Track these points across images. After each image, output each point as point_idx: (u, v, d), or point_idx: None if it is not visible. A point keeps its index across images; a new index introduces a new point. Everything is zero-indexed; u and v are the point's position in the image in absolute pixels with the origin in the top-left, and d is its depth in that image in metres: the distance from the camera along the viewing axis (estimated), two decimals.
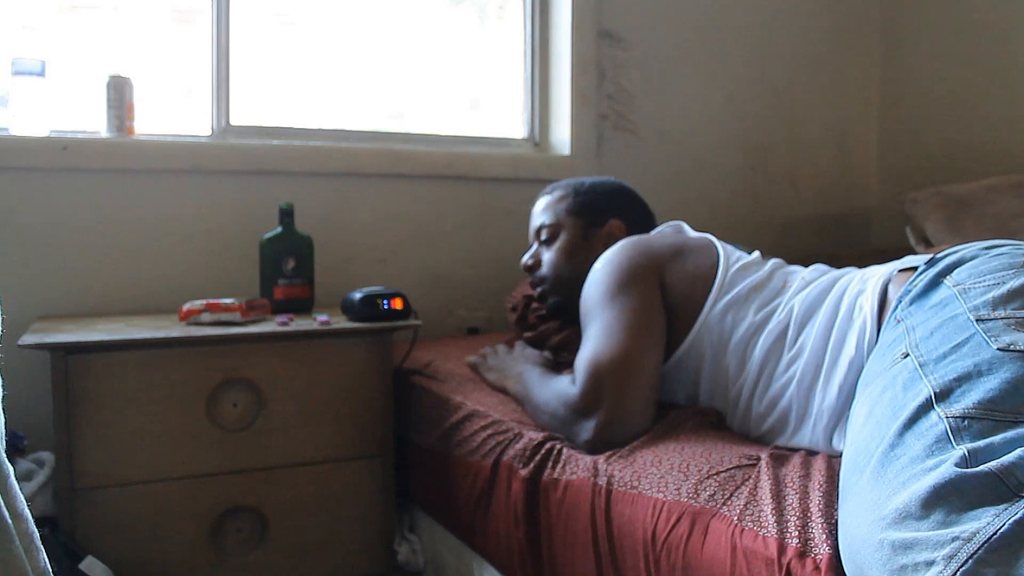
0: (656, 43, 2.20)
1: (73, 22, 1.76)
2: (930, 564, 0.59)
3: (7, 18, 1.68)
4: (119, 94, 1.64)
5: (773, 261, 1.26)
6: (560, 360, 1.44)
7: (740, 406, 1.14)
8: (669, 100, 2.22)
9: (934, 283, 0.89)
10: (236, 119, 1.82)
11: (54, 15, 1.73)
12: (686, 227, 1.42)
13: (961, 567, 0.57)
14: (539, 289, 1.51)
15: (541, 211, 1.52)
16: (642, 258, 1.24)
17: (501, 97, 2.18)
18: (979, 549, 0.57)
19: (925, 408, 0.70)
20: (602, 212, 1.48)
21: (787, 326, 1.11)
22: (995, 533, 0.56)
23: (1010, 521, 0.56)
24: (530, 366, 1.37)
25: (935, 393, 0.71)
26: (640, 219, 1.51)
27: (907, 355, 0.79)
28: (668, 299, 1.21)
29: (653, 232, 1.42)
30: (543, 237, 1.50)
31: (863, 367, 0.97)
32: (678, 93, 2.24)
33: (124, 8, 1.78)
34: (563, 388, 1.19)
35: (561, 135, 2.11)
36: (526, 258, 1.53)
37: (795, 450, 1.02)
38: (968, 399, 0.68)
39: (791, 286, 1.17)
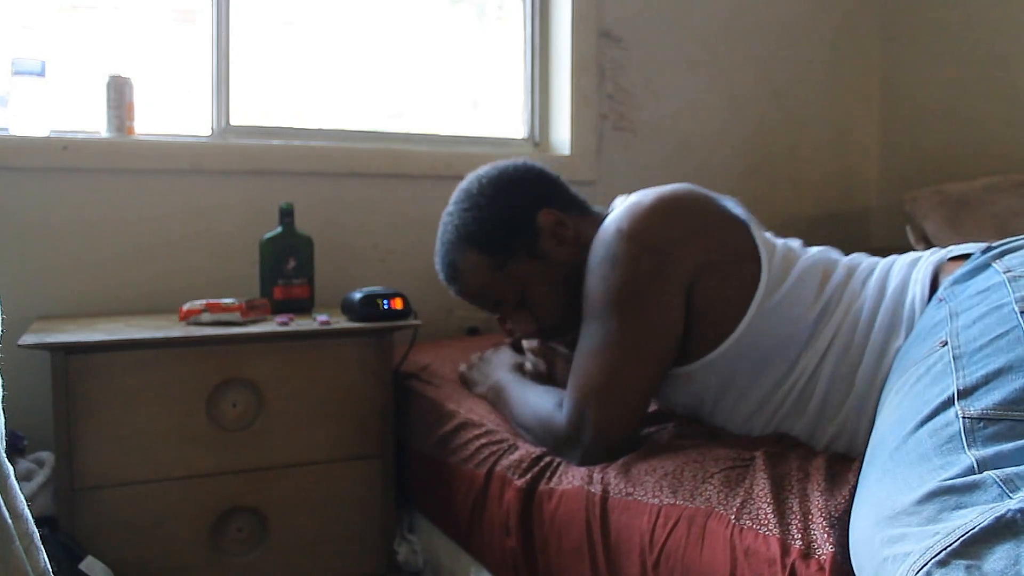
0: (656, 43, 2.20)
1: (73, 22, 1.76)
2: (907, 555, 0.59)
3: (7, 18, 1.68)
4: (119, 94, 1.64)
5: (816, 249, 1.17)
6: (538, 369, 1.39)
7: (786, 405, 1.07)
8: (669, 100, 2.22)
9: (983, 265, 0.85)
10: (236, 119, 1.82)
11: (54, 15, 1.73)
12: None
13: (934, 557, 0.56)
14: (548, 335, 1.30)
15: (481, 288, 1.25)
16: (670, 248, 1.08)
17: (501, 97, 2.18)
18: (955, 541, 0.56)
19: (946, 405, 0.69)
20: (522, 217, 1.21)
21: (842, 321, 1.04)
22: (975, 527, 0.56)
23: (992, 517, 0.56)
24: (507, 374, 1.33)
25: (959, 390, 0.69)
26: (552, 188, 1.26)
27: (946, 343, 0.77)
28: (700, 301, 1.08)
29: (685, 189, 1.17)
30: (511, 303, 1.24)
31: None
32: (678, 93, 2.24)
33: (124, 8, 1.78)
34: (547, 413, 1.15)
35: (561, 135, 2.11)
36: (521, 331, 1.29)
37: (791, 449, 1.01)
38: (989, 398, 0.67)
39: (835, 275, 1.09)
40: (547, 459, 1.13)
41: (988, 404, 0.67)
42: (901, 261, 1.07)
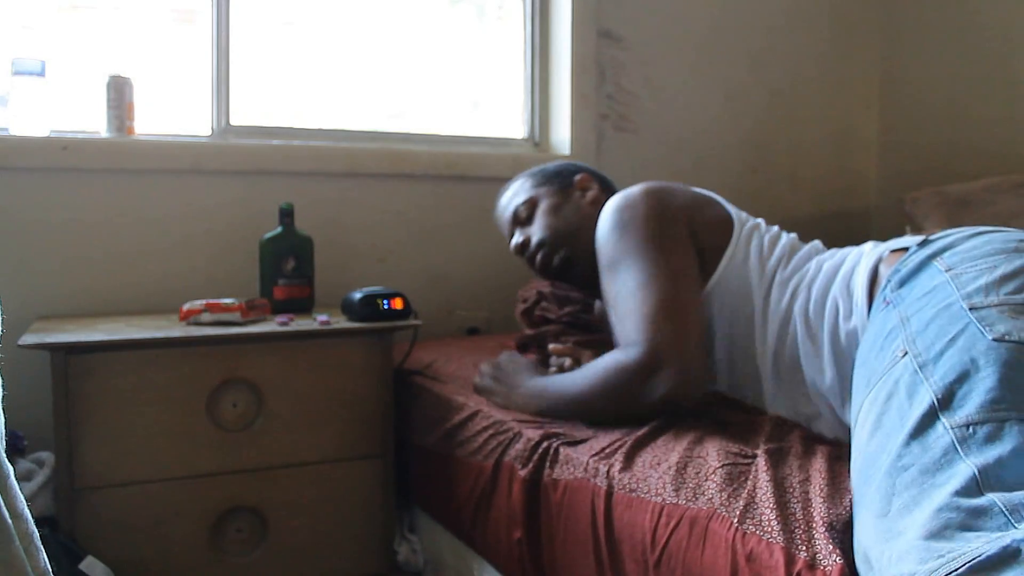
0: (656, 43, 2.20)
1: (73, 22, 1.76)
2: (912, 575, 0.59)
3: (7, 18, 1.68)
4: (119, 94, 1.64)
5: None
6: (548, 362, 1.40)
7: (764, 370, 1.13)
8: (669, 100, 2.22)
9: (924, 264, 0.88)
10: (236, 119, 1.82)
11: (54, 15, 1.73)
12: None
13: None
14: (540, 256, 1.45)
15: (508, 201, 1.54)
16: (671, 204, 1.22)
17: (501, 97, 2.18)
18: (961, 567, 0.56)
19: (930, 417, 0.70)
20: (566, 173, 1.51)
21: (799, 286, 1.13)
22: (981, 555, 0.56)
23: (998, 546, 0.56)
24: (538, 377, 1.29)
25: (938, 400, 0.70)
26: (599, 174, 1.54)
27: (906, 353, 0.78)
28: (695, 245, 1.20)
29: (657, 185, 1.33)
30: (522, 217, 1.49)
31: (856, 342, 1.01)
32: (678, 93, 2.24)
33: (124, 8, 1.78)
34: (611, 361, 1.12)
35: (561, 135, 2.11)
36: (515, 241, 1.49)
37: (789, 434, 1.02)
38: (970, 403, 0.68)
39: (799, 251, 1.20)
40: (545, 445, 1.13)
41: (971, 410, 0.67)
42: (856, 251, 1.14)
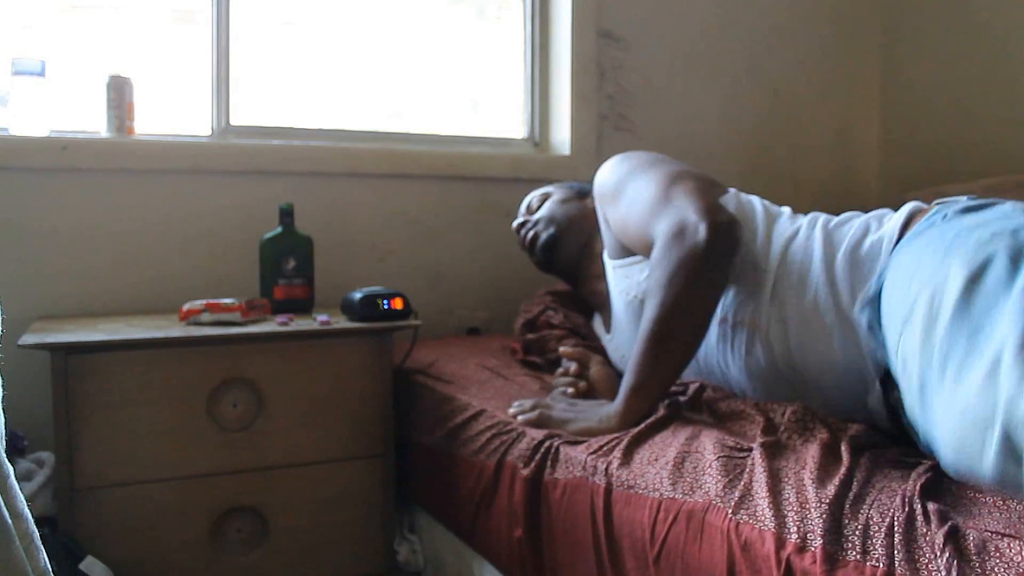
0: (656, 43, 2.20)
1: (73, 22, 1.76)
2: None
3: (7, 18, 1.68)
4: (119, 94, 1.64)
5: None
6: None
7: (765, 299, 1.15)
8: (669, 100, 2.22)
9: (983, 205, 0.93)
10: (236, 119, 1.82)
11: (54, 15, 1.73)
12: None
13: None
14: (531, 232, 1.60)
15: (529, 197, 1.70)
16: (660, 156, 1.37)
17: (501, 97, 2.18)
18: None
19: None
20: (589, 187, 1.59)
21: (815, 216, 1.20)
22: None
23: None
24: (600, 404, 1.21)
25: None
26: None
27: (995, 238, 0.83)
28: None
29: None
30: (533, 207, 1.65)
31: (877, 253, 1.04)
32: (678, 93, 2.24)
33: (124, 8, 1.78)
34: (653, 259, 1.14)
35: (561, 135, 2.11)
36: (517, 221, 1.65)
37: (789, 429, 1.02)
38: None
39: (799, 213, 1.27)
40: (547, 444, 1.13)
41: None
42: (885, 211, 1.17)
